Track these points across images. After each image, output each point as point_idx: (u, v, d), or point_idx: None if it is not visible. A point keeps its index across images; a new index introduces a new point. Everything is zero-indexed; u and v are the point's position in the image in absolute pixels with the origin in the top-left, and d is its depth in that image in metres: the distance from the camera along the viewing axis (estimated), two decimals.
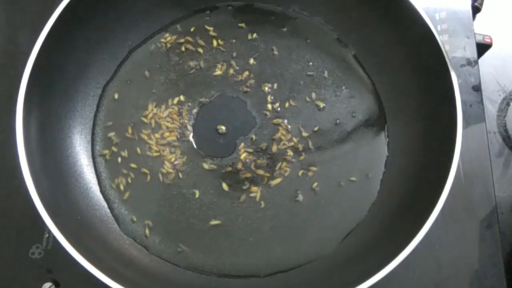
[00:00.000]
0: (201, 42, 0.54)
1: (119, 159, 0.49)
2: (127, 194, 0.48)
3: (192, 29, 0.54)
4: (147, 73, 0.53)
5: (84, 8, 0.47)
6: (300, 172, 0.49)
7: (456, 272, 0.46)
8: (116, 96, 0.52)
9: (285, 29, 0.54)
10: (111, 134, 0.50)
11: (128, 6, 0.51)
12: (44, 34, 0.44)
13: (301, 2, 0.54)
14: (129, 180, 0.49)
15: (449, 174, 0.41)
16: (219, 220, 0.47)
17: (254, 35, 0.54)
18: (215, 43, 0.54)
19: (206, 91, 0.52)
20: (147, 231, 0.47)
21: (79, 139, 0.49)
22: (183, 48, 0.54)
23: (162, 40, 0.54)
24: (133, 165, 0.49)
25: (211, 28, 0.54)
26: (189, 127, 0.51)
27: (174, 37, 0.54)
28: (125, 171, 0.49)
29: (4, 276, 0.46)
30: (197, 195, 0.48)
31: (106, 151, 0.50)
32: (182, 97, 0.52)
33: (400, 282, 0.46)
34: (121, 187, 0.49)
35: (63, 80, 0.48)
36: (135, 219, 0.48)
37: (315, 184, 0.48)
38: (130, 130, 0.50)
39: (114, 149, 0.50)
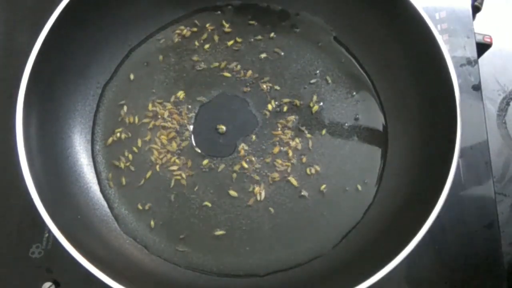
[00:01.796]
0: (202, 40, 0.54)
1: (119, 158, 0.49)
2: (126, 193, 0.48)
3: (195, 28, 0.54)
4: (147, 72, 0.53)
5: (84, 8, 0.47)
6: (301, 174, 0.49)
7: (456, 271, 0.46)
8: (116, 95, 0.52)
9: (285, 27, 0.54)
10: (112, 133, 0.50)
11: (128, 6, 0.51)
12: (44, 34, 0.44)
13: (300, 2, 0.54)
14: (129, 180, 0.49)
15: (449, 174, 0.41)
16: (223, 230, 0.47)
17: (256, 34, 0.54)
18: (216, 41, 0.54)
19: (207, 91, 0.52)
20: (147, 230, 0.47)
21: (79, 139, 0.49)
22: (184, 47, 0.54)
23: (177, 31, 0.54)
24: (132, 165, 0.49)
25: (213, 27, 0.54)
26: (189, 127, 0.51)
27: (177, 34, 0.54)
28: (125, 170, 0.49)
29: (4, 276, 0.46)
30: (197, 195, 0.48)
31: (107, 148, 0.50)
32: (182, 97, 0.52)
33: (400, 282, 0.46)
34: (121, 186, 0.49)
35: (63, 80, 0.48)
36: (135, 219, 0.48)
37: (323, 186, 0.48)
38: (129, 130, 0.50)
39: (115, 148, 0.50)
